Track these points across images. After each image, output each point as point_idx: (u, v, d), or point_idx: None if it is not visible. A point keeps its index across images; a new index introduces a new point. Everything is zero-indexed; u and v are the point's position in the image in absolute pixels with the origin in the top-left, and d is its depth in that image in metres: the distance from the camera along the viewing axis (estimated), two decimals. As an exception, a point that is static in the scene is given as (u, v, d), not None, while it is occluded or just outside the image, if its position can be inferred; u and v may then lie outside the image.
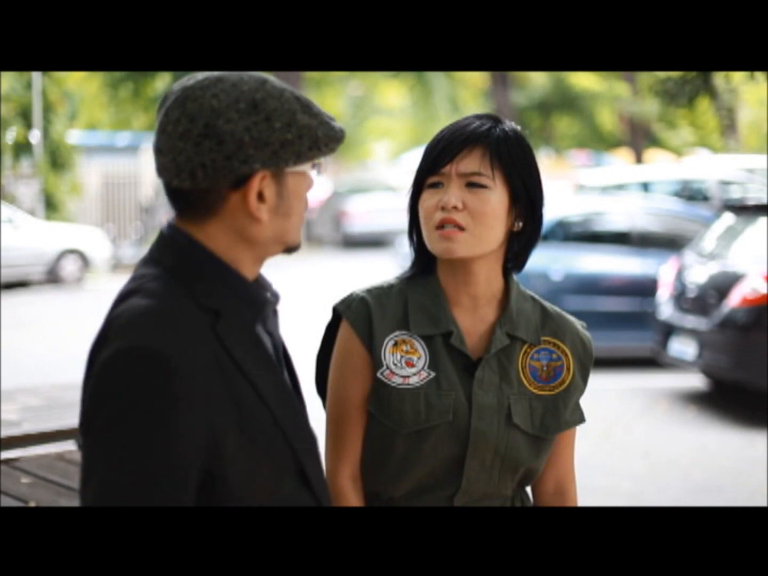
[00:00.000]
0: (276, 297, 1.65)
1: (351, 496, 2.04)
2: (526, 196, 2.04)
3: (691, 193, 16.44)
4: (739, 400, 8.73)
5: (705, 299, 8.44)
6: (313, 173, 1.61)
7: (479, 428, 2.01)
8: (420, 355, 2.03)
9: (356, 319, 2.04)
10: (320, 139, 1.57)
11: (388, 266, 16.65)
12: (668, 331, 8.86)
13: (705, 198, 16.23)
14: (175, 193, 1.57)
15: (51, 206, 20.23)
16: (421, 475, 2.02)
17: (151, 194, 22.20)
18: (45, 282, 17.87)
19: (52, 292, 17.14)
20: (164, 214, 20.12)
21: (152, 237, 10.86)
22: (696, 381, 9.39)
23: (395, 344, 2.03)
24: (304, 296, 15.93)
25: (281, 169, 1.55)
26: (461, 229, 1.99)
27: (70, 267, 18.03)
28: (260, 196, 1.55)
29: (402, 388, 2.01)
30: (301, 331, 13.23)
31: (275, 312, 1.66)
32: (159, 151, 1.56)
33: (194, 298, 1.53)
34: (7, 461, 3.89)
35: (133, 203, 23.06)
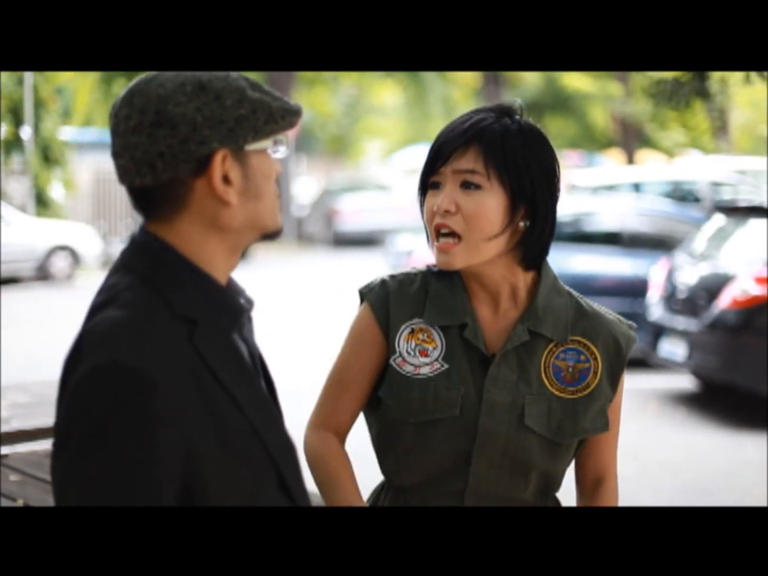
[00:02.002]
0: (250, 303, 1.60)
1: (322, 450, 2.05)
2: (526, 194, 1.96)
3: (682, 194, 16.45)
4: (728, 401, 8.75)
5: (695, 300, 8.45)
6: (276, 152, 1.57)
7: (487, 426, 1.96)
8: (436, 345, 1.99)
9: (376, 300, 2.02)
10: (275, 111, 1.53)
11: (380, 265, 16.63)
12: (658, 331, 8.88)
13: (696, 199, 16.24)
14: (139, 195, 1.53)
15: (42, 203, 20.18)
16: (429, 466, 1.99)
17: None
18: (35, 278, 17.83)
19: (42, 289, 17.10)
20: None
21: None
22: (686, 382, 9.40)
23: (412, 332, 2.00)
24: (295, 295, 15.93)
25: (241, 147, 1.52)
26: (456, 236, 1.94)
27: (60, 263, 17.99)
28: (226, 180, 1.51)
29: (411, 377, 1.98)
30: (292, 329, 13.23)
31: (250, 318, 1.62)
32: (116, 155, 1.52)
33: (169, 307, 1.49)
34: (-4, 458, 3.88)
35: (124, 200, 22.90)
